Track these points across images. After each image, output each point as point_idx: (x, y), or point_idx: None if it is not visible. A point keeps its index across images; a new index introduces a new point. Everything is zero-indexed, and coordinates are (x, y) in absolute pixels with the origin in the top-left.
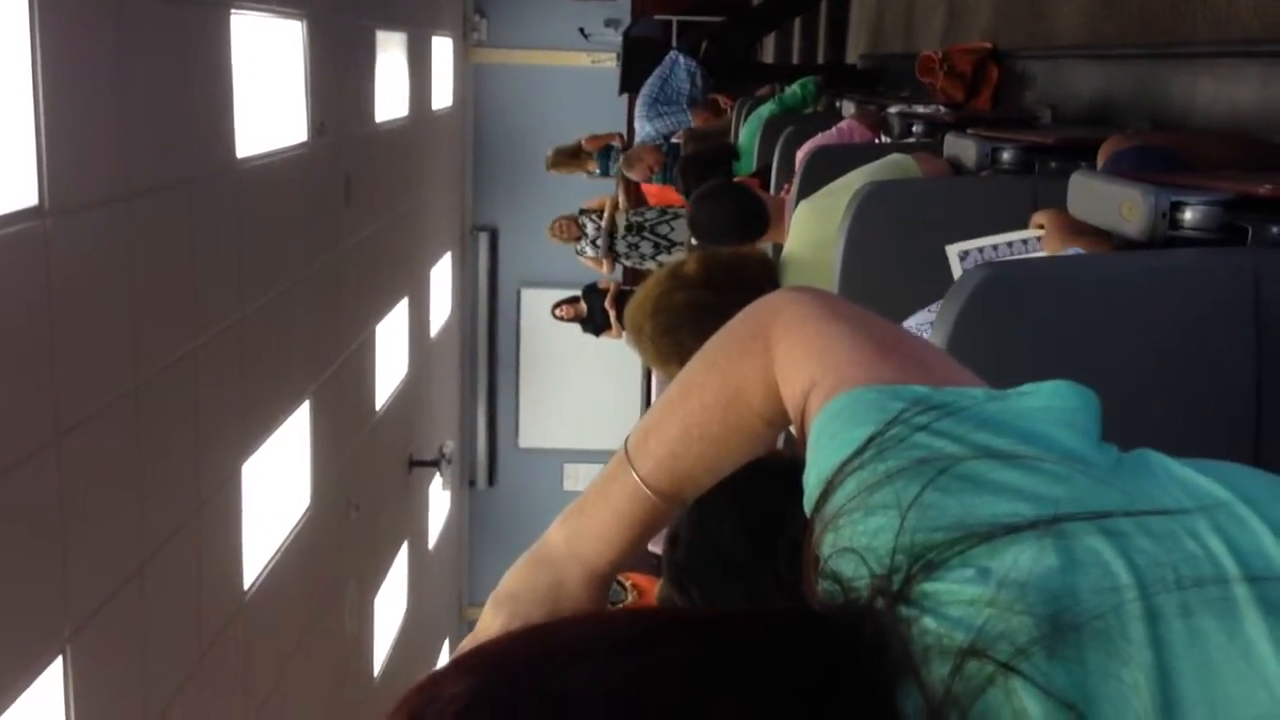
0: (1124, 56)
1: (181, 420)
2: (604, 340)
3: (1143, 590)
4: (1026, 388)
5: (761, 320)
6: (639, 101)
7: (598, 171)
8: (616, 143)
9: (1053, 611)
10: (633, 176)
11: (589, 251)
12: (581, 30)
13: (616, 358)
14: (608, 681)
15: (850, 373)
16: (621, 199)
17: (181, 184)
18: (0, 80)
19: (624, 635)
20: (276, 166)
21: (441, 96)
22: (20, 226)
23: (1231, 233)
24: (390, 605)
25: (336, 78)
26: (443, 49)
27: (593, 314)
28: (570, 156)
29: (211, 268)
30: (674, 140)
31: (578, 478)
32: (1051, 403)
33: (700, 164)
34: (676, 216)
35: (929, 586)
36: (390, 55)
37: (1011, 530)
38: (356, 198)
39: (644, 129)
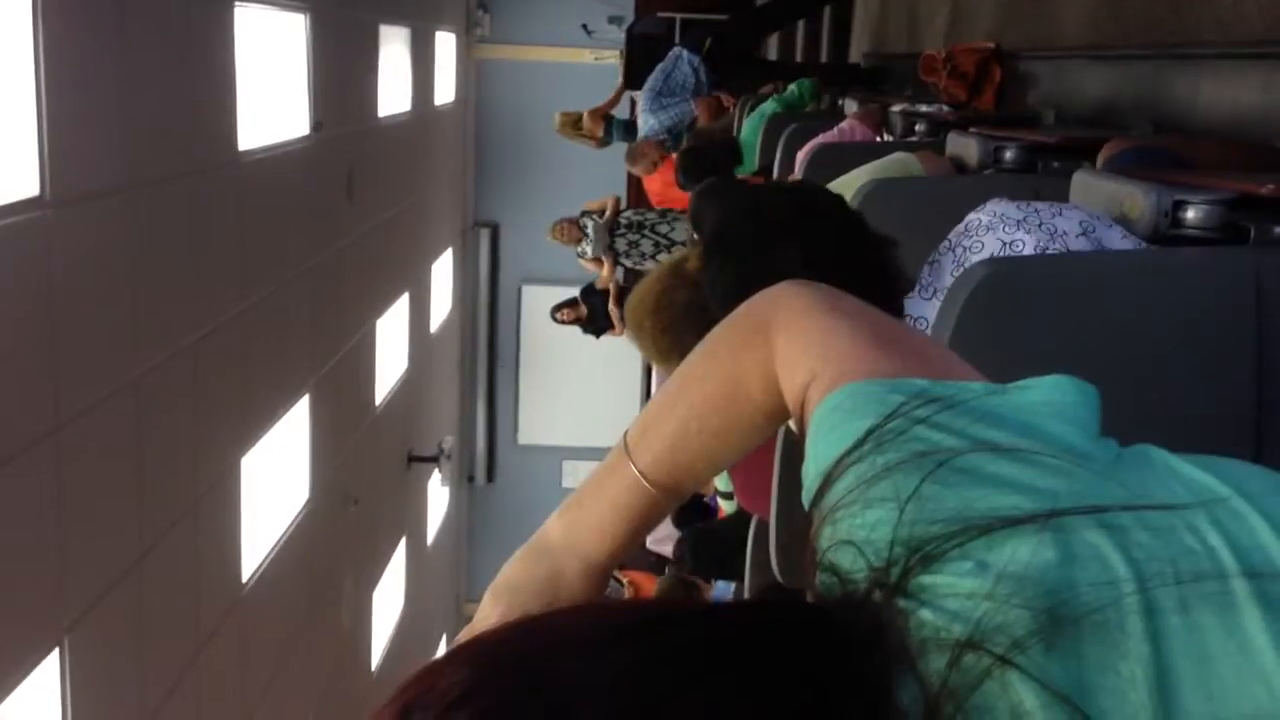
0: (1127, 57)
1: (181, 412)
2: (605, 339)
3: (1141, 584)
4: (1026, 382)
5: (762, 314)
6: (642, 95)
7: (603, 136)
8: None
9: (1050, 605)
10: (635, 171)
11: (589, 251)
12: (585, 27)
13: (616, 355)
14: (605, 671)
15: (850, 366)
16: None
17: (183, 176)
18: (2, 70)
19: (622, 625)
20: (278, 160)
21: (444, 92)
22: (21, 217)
23: (1233, 232)
24: (388, 600)
25: (339, 72)
26: (446, 44)
27: (594, 315)
28: (573, 126)
29: (212, 260)
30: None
31: (577, 474)
32: (1051, 397)
33: (700, 159)
34: (677, 218)
35: (927, 579)
36: (393, 50)
37: (1010, 523)
38: (358, 193)
39: (647, 122)
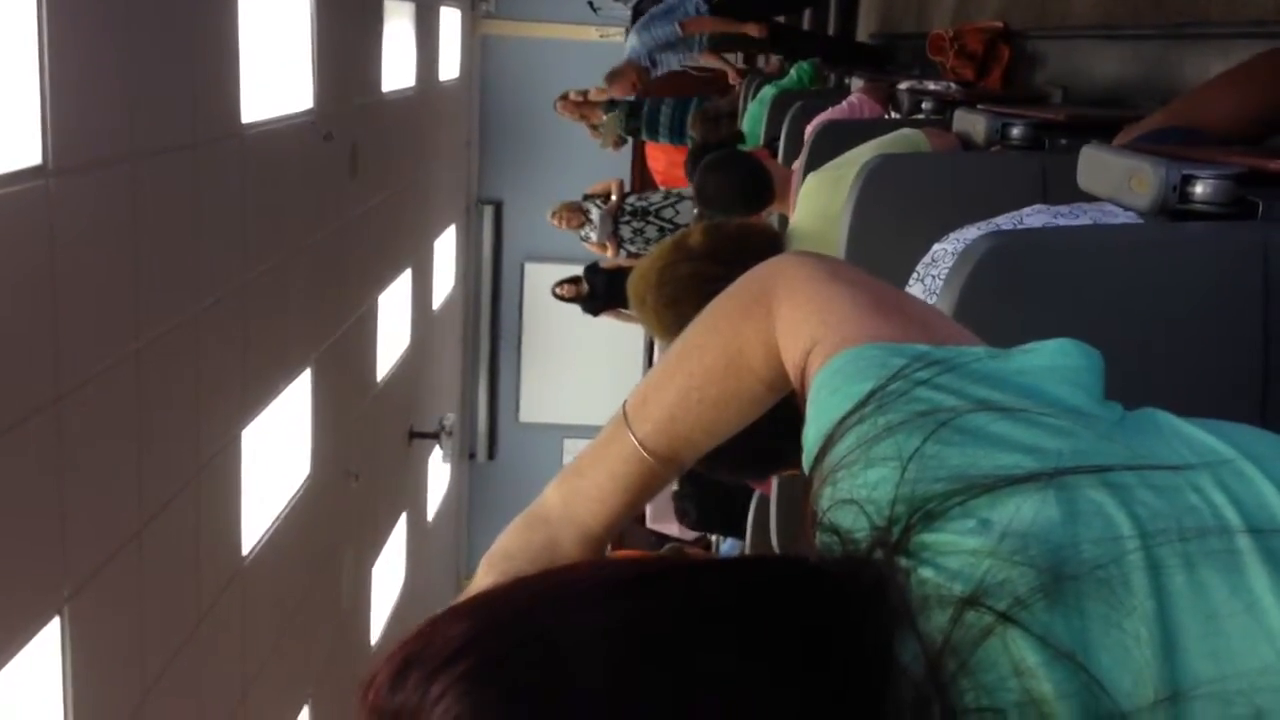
0: (1136, 37)
1: (182, 385)
2: (604, 318)
3: (1144, 541)
4: (1030, 346)
5: (763, 283)
6: (637, 23)
7: (603, 118)
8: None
9: (1053, 562)
10: (614, 93)
11: (593, 237)
12: (591, 4)
13: (618, 333)
14: (604, 621)
15: (851, 332)
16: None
17: (186, 148)
18: (5, 38)
19: (621, 579)
20: (282, 133)
21: (449, 68)
22: (23, 185)
23: (1242, 207)
24: (388, 575)
25: (344, 46)
26: (450, 19)
27: (593, 293)
28: (577, 104)
29: (215, 233)
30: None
31: (577, 452)
32: (1055, 361)
33: (707, 153)
34: (681, 199)
35: (928, 537)
36: (398, 25)
37: (1013, 482)
38: (362, 168)
39: (630, 42)
